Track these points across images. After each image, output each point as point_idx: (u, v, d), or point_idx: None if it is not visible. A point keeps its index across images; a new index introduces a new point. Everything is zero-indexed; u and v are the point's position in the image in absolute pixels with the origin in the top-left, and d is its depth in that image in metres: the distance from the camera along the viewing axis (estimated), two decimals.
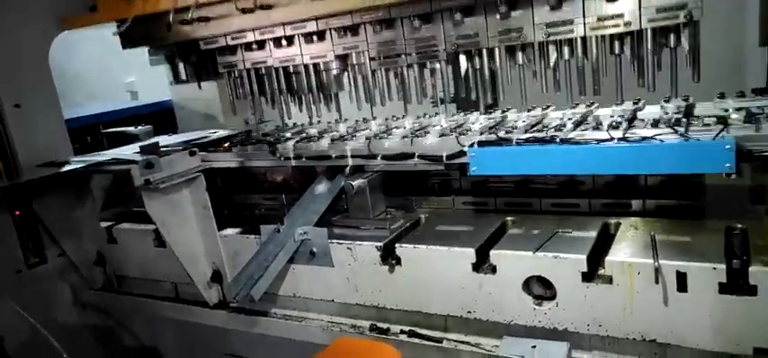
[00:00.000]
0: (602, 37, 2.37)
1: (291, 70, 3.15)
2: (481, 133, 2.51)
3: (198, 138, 3.56)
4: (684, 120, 2.20)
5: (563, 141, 2.21)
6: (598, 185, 2.66)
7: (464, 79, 2.73)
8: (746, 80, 4.43)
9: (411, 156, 2.57)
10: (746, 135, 1.96)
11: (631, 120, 2.37)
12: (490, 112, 2.92)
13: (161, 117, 5.64)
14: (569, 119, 2.54)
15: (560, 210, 2.65)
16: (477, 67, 2.66)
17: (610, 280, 2.08)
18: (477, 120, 2.81)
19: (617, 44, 2.38)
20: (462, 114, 2.99)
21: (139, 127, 3.75)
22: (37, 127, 3.39)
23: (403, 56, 2.79)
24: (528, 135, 2.36)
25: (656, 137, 2.05)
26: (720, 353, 1.98)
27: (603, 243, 2.26)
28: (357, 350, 2.23)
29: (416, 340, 2.50)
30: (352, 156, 2.76)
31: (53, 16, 3.41)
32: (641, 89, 2.41)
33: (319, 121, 3.39)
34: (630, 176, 2.58)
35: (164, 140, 3.61)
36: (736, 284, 1.88)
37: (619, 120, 2.36)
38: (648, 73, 2.34)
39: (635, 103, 2.57)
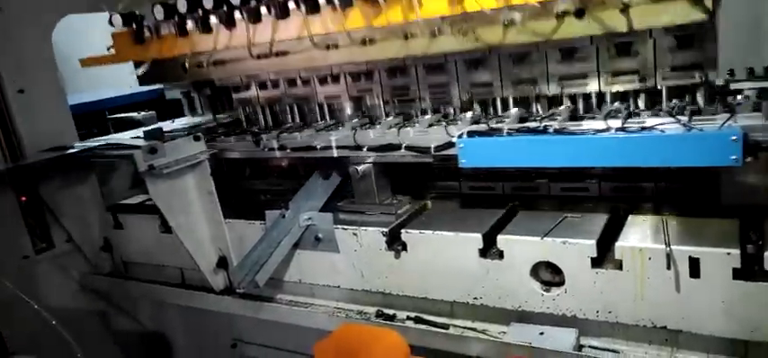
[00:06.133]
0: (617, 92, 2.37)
1: (305, 107, 3.22)
2: (473, 123, 2.44)
3: (202, 124, 3.54)
4: (689, 108, 2.11)
5: (557, 132, 2.10)
6: (608, 169, 2.60)
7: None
8: None
9: (398, 147, 2.48)
10: (756, 124, 1.81)
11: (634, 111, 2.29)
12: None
13: (167, 102, 5.62)
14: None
15: (569, 195, 2.60)
16: (491, 114, 2.65)
17: (620, 265, 2.03)
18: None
19: (631, 99, 2.36)
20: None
21: (142, 113, 3.77)
22: (41, 112, 3.37)
23: (417, 100, 2.81)
24: (520, 125, 2.28)
25: (657, 127, 1.94)
26: (735, 340, 1.94)
27: (613, 228, 2.21)
28: (361, 336, 2.20)
29: (423, 326, 2.47)
30: (338, 147, 2.69)
31: (55, 1, 3.38)
32: None
33: None
34: None
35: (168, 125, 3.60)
36: (750, 270, 1.83)
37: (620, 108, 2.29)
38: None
39: None
